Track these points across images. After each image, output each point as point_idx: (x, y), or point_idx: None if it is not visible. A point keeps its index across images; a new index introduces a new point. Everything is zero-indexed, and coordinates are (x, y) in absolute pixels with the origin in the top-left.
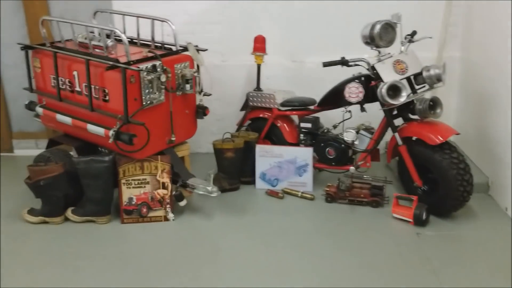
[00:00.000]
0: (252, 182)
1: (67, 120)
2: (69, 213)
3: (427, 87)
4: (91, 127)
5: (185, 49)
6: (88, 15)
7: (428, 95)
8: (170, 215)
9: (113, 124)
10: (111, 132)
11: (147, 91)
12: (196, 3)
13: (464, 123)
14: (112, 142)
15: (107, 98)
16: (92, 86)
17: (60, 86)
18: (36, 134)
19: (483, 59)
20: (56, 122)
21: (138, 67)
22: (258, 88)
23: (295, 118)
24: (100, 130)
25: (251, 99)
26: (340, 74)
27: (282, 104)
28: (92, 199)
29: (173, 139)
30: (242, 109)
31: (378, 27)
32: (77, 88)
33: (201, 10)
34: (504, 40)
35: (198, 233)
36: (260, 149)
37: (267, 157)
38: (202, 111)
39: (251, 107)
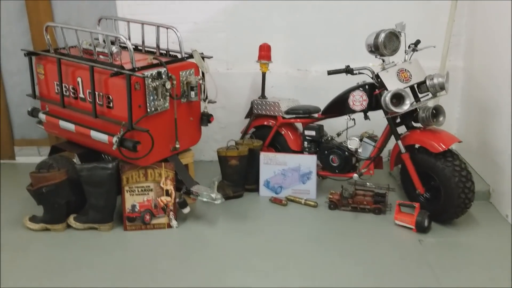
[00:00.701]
0: (256, 189)
1: (71, 126)
2: (71, 220)
3: (430, 95)
4: (94, 134)
5: (190, 56)
6: (93, 22)
7: (431, 104)
8: (174, 223)
9: (116, 131)
10: (114, 139)
11: (151, 98)
12: (202, 11)
13: (466, 132)
14: (115, 149)
15: (111, 104)
16: (96, 93)
17: (64, 93)
18: (39, 141)
19: (485, 69)
20: (59, 128)
21: (143, 74)
22: (263, 96)
23: (299, 126)
24: (103, 137)
25: (255, 107)
26: (345, 82)
27: (287, 112)
28: (95, 206)
29: (177, 146)
30: (246, 117)
31: (382, 36)
32: (81, 95)
33: (206, 18)
34: (506, 50)
35: (202, 240)
36: (264, 156)
37: (271, 165)
38: (206, 118)
39: (256, 115)
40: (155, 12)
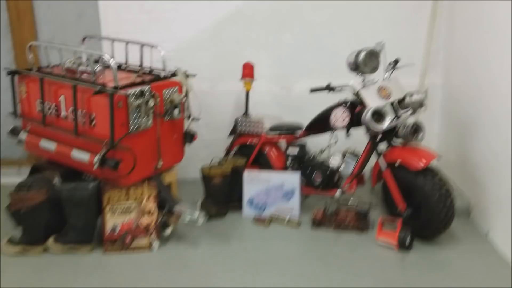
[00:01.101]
0: (240, 208)
1: (51, 146)
2: (50, 241)
3: (410, 112)
4: (75, 153)
5: (174, 74)
6: (77, 40)
7: (411, 120)
8: (155, 243)
9: (98, 150)
10: (96, 158)
11: (134, 116)
12: (186, 30)
13: (446, 148)
14: (96, 168)
15: (93, 123)
16: (79, 111)
17: (46, 112)
18: (19, 161)
19: (463, 86)
20: (40, 148)
21: (126, 92)
22: (246, 114)
23: (283, 143)
24: (84, 157)
25: (239, 124)
26: (327, 99)
27: (270, 130)
28: (75, 227)
29: (160, 165)
30: (230, 135)
31: (362, 54)
32: (63, 113)
33: (190, 37)
34: (483, 67)
35: (184, 261)
36: (248, 174)
37: (254, 183)
38: (190, 136)
39: (239, 133)
40: (140, 31)
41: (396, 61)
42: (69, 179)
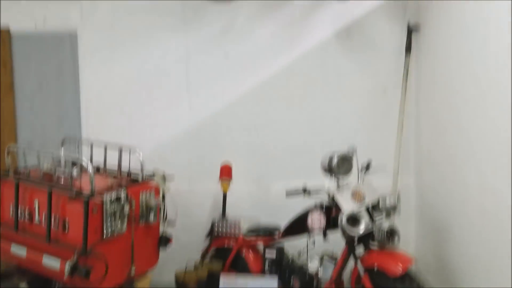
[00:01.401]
0: None
1: (22, 252)
2: None
3: (384, 216)
4: (46, 261)
5: (152, 176)
6: (58, 142)
7: (386, 224)
8: None
9: (70, 256)
10: (66, 266)
11: (109, 221)
12: (165, 132)
13: (424, 250)
14: (67, 276)
15: (66, 228)
16: (53, 216)
17: (19, 216)
18: None
19: (435, 187)
20: (10, 254)
21: (102, 198)
22: (223, 216)
23: (261, 245)
24: (55, 264)
25: (216, 226)
26: (304, 200)
27: (248, 232)
28: None
29: (133, 271)
30: (207, 237)
31: (335, 159)
32: (37, 218)
33: (169, 138)
34: (452, 169)
35: None
36: (224, 279)
37: None
38: (165, 240)
39: (216, 235)
40: (120, 133)
41: (368, 165)
42: (37, 287)
